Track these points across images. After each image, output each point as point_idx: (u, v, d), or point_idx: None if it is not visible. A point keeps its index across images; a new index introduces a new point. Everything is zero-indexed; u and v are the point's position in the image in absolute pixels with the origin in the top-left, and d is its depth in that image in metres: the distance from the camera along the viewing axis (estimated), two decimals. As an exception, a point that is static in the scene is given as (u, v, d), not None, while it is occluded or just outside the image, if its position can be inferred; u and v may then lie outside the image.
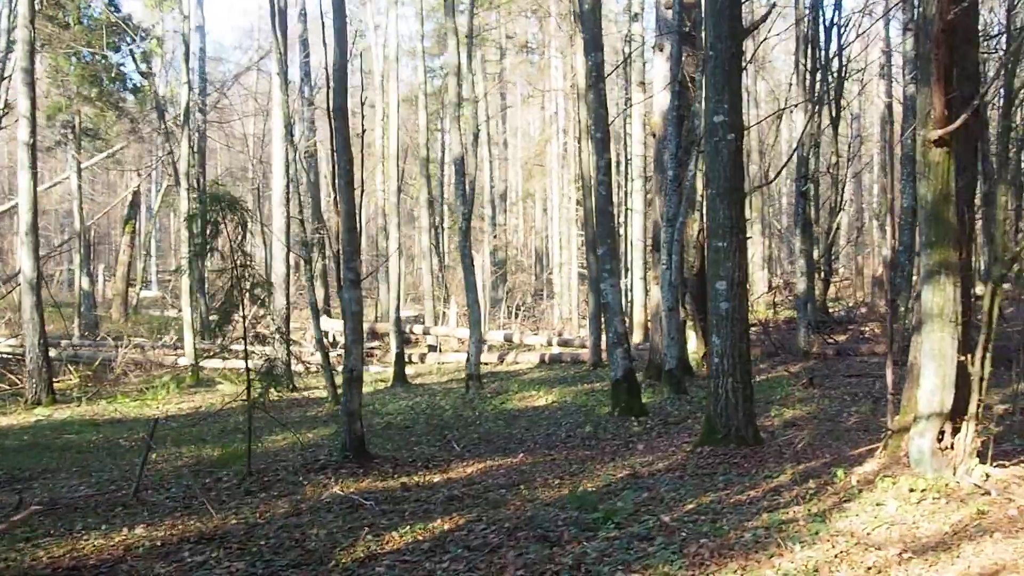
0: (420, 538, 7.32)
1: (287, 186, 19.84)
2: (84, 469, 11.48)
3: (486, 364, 23.09)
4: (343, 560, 6.79)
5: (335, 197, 10.49)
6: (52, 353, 22.97)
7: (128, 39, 25.20)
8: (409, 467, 10.58)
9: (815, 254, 20.46)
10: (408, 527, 7.63)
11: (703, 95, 12.18)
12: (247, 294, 9.58)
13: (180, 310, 28.64)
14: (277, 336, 17.75)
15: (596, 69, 13.89)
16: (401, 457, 11.19)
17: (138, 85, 27.51)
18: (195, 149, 29.59)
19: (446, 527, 7.63)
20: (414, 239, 38.30)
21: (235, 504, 8.92)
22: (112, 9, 24.67)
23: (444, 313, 30.43)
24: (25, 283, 18.65)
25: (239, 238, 9.61)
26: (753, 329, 16.91)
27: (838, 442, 10.60)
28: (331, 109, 10.59)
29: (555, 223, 34.32)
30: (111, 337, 24.60)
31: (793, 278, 22.80)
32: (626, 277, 28.42)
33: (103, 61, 26.31)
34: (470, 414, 15.21)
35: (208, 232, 9.41)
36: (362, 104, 24.39)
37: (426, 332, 27.00)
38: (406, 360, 23.72)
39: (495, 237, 34.12)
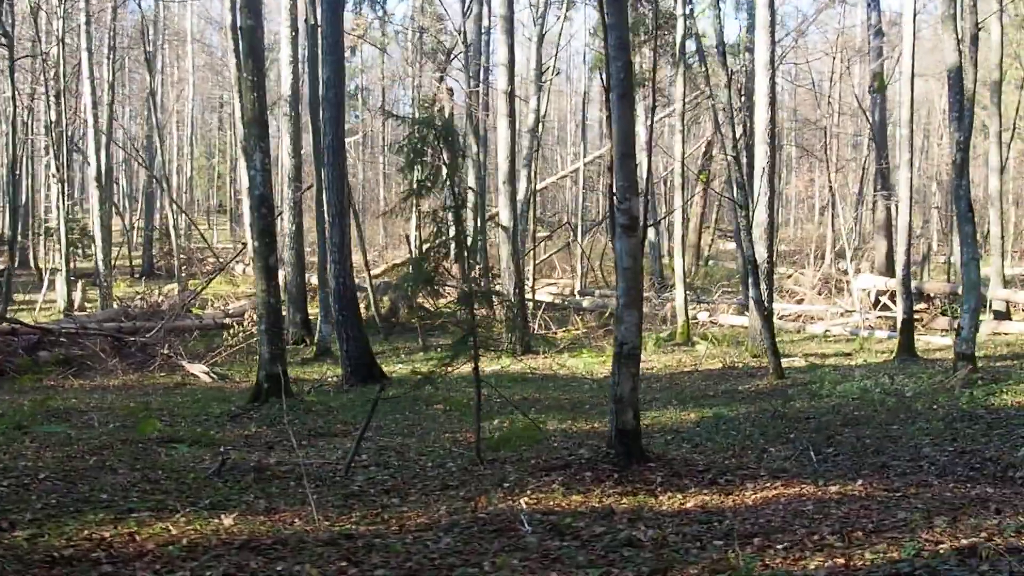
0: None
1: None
2: (410, 429, 10.73)
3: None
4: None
5: (608, 114, 7.96)
6: (588, 304, 23.03)
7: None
8: (687, 479, 7.82)
9: None
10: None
11: None
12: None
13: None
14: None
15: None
16: (694, 463, 8.37)
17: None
18: (743, 92, 27.46)
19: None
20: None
21: (419, 501, 7.21)
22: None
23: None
24: (501, 232, 18.61)
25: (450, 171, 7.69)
26: None
27: None
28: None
29: None
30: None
31: None
32: None
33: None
34: (921, 407, 11.27)
35: (415, 163, 7.65)
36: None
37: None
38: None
39: None
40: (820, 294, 23.42)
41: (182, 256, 32.31)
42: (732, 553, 5.73)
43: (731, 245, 39.24)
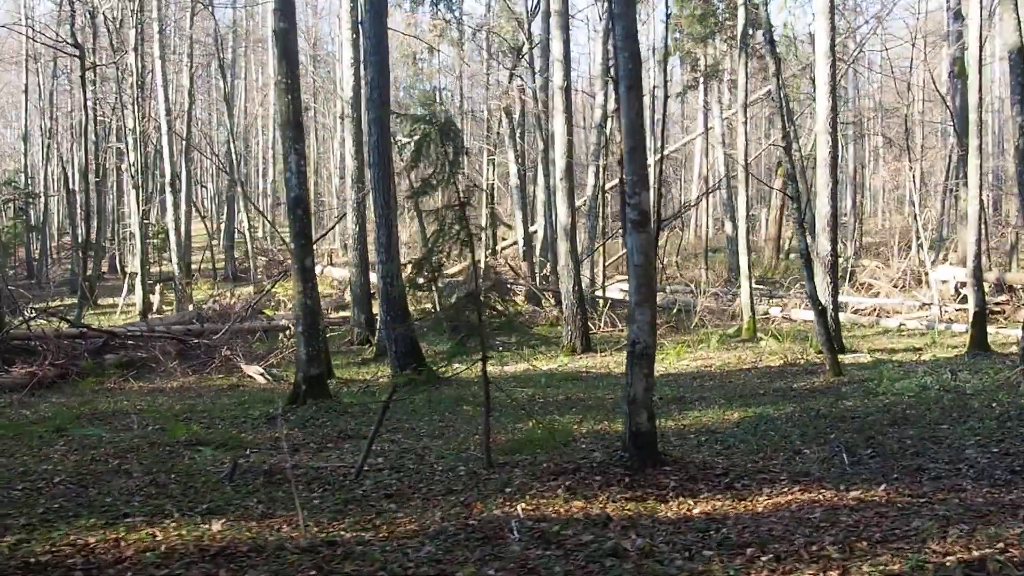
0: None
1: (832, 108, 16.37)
2: (441, 431, 10.60)
3: None
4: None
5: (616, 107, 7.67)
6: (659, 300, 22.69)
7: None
8: (702, 484, 7.51)
9: None
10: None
11: None
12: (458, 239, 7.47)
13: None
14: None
15: None
16: (712, 467, 8.04)
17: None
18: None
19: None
20: None
21: (417, 507, 7.07)
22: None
23: None
24: (560, 229, 18.38)
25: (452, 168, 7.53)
26: None
27: None
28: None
29: None
30: (693, 284, 23.42)
31: None
32: None
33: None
34: (978, 405, 10.65)
35: (418, 160, 7.53)
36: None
37: None
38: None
39: None
40: (897, 286, 22.54)
41: (260, 259, 32.87)
42: (718, 564, 5.46)
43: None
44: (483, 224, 30.39)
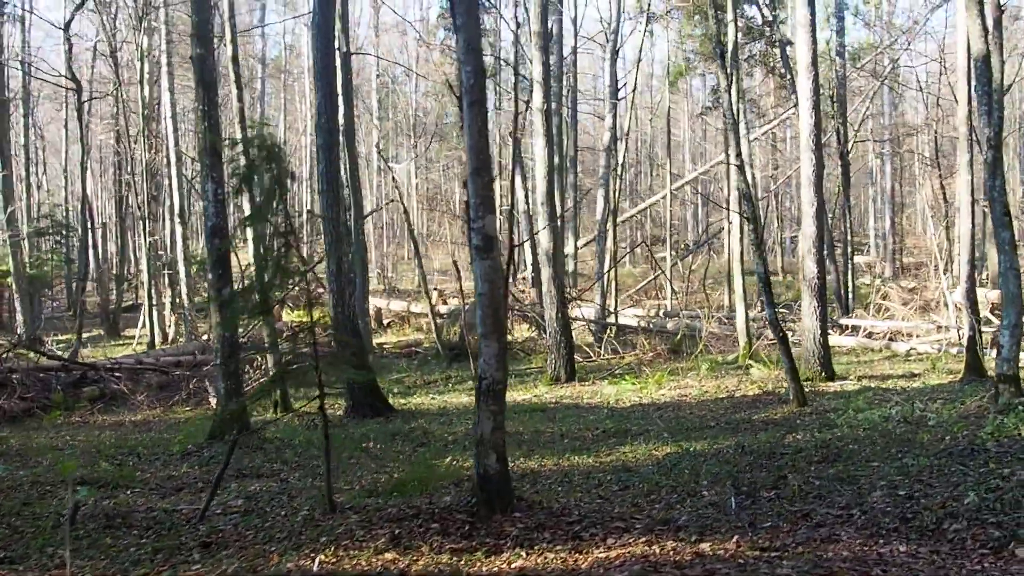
0: None
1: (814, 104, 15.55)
2: (344, 469, 10.04)
3: None
4: None
5: (460, 124, 7.14)
6: (671, 326, 21.93)
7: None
8: (548, 532, 6.84)
9: None
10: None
11: None
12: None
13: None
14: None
15: None
16: (568, 513, 7.35)
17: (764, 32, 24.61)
18: (835, 98, 25.51)
19: None
20: None
21: (223, 557, 6.56)
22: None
23: None
24: (542, 254, 17.80)
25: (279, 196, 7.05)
26: None
27: None
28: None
29: None
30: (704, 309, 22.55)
31: None
32: None
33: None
34: (928, 438, 9.73)
35: (244, 187, 7.07)
36: None
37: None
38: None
39: None
40: (917, 309, 21.34)
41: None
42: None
43: (857, 258, 36.81)
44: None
